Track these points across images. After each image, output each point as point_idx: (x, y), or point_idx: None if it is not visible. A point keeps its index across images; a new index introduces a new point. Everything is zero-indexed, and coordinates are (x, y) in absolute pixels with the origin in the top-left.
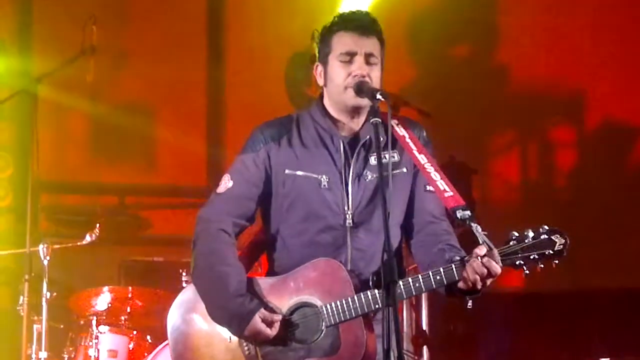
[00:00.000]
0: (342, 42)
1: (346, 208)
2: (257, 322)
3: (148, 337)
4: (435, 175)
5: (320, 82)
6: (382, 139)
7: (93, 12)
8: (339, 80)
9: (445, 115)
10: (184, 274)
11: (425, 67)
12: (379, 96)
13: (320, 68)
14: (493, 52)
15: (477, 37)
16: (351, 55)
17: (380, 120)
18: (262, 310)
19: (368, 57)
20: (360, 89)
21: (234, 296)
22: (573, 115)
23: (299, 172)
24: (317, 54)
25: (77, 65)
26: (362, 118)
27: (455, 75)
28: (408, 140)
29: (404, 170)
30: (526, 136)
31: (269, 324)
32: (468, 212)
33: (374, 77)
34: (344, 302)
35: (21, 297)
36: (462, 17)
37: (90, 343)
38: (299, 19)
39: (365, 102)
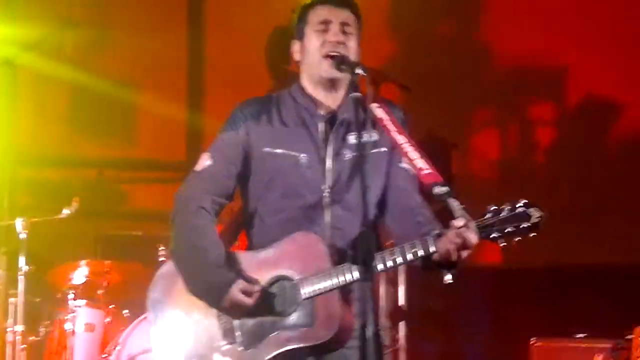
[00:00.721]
0: (317, 13)
1: (324, 186)
2: (236, 292)
3: (125, 311)
4: (414, 154)
5: (298, 57)
6: (361, 117)
7: None
8: (314, 50)
9: (426, 90)
10: (161, 248)
11: (407, 43)
12: (358, 70)
13: (297, 44)
14: (475, 28)
15: (458, 13)
16: (326, 23)
17: (360, 95)
18: (241, 280)
19: (343, 25)
20: (340, 62)
21: (212, 267)
22: (554, 92)
23: (278, 150)
24: (294, 32)
25: (58, 37)
26: (340, 93)
27: (436, 51)
28: (387, 121)
29: (383, 149)
30: (507, 112)
31: (248, 294)
32: (446, 188)
33: (350, 47)
34: (320, 274)
35: None
36: None
37: (67, 317)
38: None
39: (341, 75)
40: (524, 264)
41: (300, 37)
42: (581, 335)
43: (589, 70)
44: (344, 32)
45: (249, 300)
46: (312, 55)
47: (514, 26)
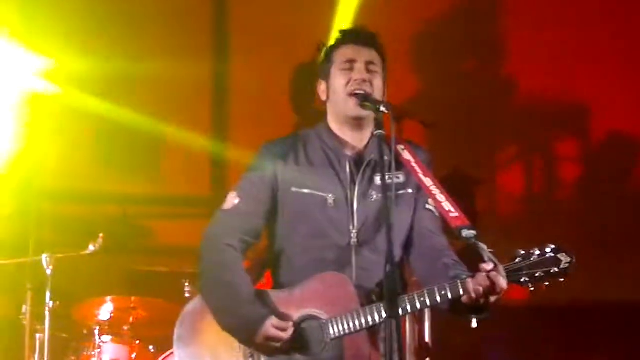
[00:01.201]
0: (342, 53)
1: (351, 227)
2: (269, 326)
3: (151, 347)
4: (441, 197)
5: (323, 97)
6: (386, 158)
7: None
8: (340, 88)
9: (451, 126)
10: (187, 284)
11: (430, 80)
12: (382, 108)
13: (322, 84)
14: (497, 65)
15: (481, 51)
16: (351, 62)
17: (384, 133)
18: (273, 316)
19: (368, 64)
20: (364, 100)
21: (245, 302)
22: (577, 128)
23: (305, 190)
24: (319, 71)
25: (84, 71)
26: (366, 132)
27: (460, 88)
28: (414, 164)
29: (409, 191)
30: (530, 148)
31: (282, 330)
32: (473, 232)
33: (376, 85)
34: (348, 315)
35: (24, 307)
36: (466, 31)
37: (93, 353)
38: (305, 30)
39: (366, 113)
40: (551, 301)
41: (326, 76)
42: None
43: (612, 107)
44: (369, 71)
45: (283, 335)
46: (337, 94)
47: (538, 62)
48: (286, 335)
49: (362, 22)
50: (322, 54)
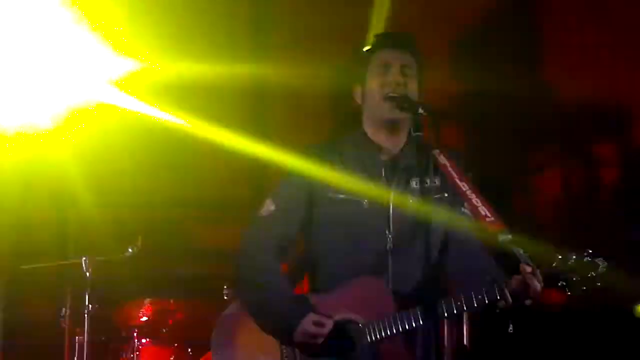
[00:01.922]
0: (378, 56)
1: (387, 232)
2: (309, 323)
3: (189, 350)
4: (477, 201)
5: (359, 101)
6: (423, 160)
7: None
8: (374, 91)
9: (488, 130)
10: (225, 287)
11: (470, 83)
12: (421, 110)
13: (358, 88)
14: (538, 68)
15: (520, 55)
16: (386, 66)
17: (422, 135)
18: (312, 313)
19: (403, 68)
20: (402, 102)
21: (284, 300)
22: (617, 133)
23: (341, 195)
24: (354, 76)
25: (131, 77)
26: (402, 136)
27: (498, 91)
28: (449, 168)
29: (445, 194)
30: (569, 153)
31: (321, 325)
32: (509, 236)
33: (411, 88)
34: (385, 320)
35: (63, 310)
36: (505, 34)
37: (132, 355)
38: (343, 31)
39: (401, 116)
40: (592, 304)
41: (362, 80)
42: None
43: None
44: (404, 74)
45: (322, 331)
46: (372, 97)
47: (578, 65)
48: (326, 330)
49: (401, 24)
50: (358, 59)
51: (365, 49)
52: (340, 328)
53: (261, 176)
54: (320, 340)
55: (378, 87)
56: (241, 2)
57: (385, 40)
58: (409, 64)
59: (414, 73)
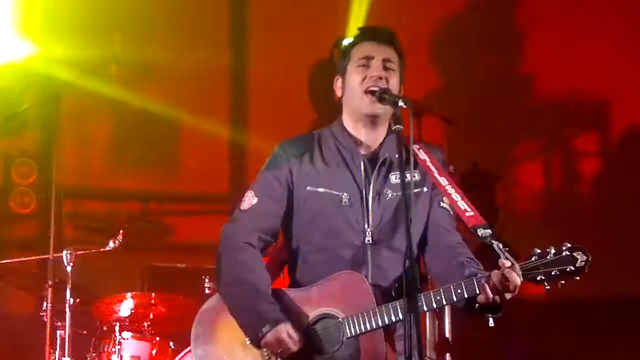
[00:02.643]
0: (360, 50)
1: (366, 226)
2: (283, 331)
3: (171, 344)
4: (456, 196)
5: (339, 93)
6: (403, 154)
7: (118, 21)
8: (355, 85)
9: (470, 123)
10: (207, 280)
11: (451, 76)
12: (401, 103)
13: (339, 80)
14: (518, 62)
15: (502, 48)
16: (368, 59)
17: (402, 127)
18: (290, 324)
19: (385, 62)
20: (382, 96)
21: (263, 300)
22: (597, 125)
23: (320, 189)
24: (337, 67)
25: (101, 73)
26: (381, 131)
27: (480, 85)
28: (429, 163)
29: (425, 189)
30: (550, 145)
31: (293, 341)
32: (489, 231)
33: (392, 83)
34: (365, 314)
35: (45, 303)
36: (485, 28)
37: (113, 349)
38: (322, 23)
39: (381, 110)
40: (568, 295)
41: (343, 73)
42: None
43: (630, 103)
44: (386, 68)
45: (292, 346)
46: (353, 90)
47: (557, 60)
48: (294, 347)
49: (382, 17)
50: (340, 51)
51: (346, 41)
52: (319, 323)
53: (242, 170)
54: (291, 351)
55: (359, 81)
56: None
57: (368, 34)
58: (391, 57)
59: (395, 67)
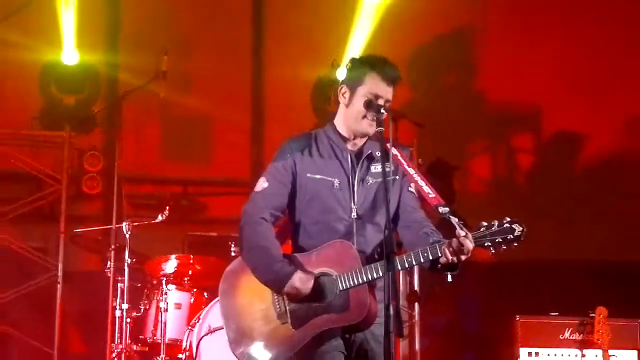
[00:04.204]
0: (374, 84)
1: (353, 204)
2: (297, 279)
3: (205, 294)
4: (421, 182)
5: (342, 101)
6: (381, 152)
7: (165, 45)
8: (359, 111)
9: (435, 126)
10: (232, 245)
11: (421, 91)
12: (383, 111)
13: (346, 91)
14: (472, 79)
15: (460, 69)
16: (376, 97)
17: (383, 129)
18: (299, 271)
19: (387, 102)
20: (369, 105)
21: (276, 261)
22: (531, 127)
23: (317, 176)
24: (347, 77)
25: (152, 84)
26: (365, 138)
27: (443, 97)
28: (400, 157)
29: (396, 177)
30: (495, 143)
31: (305, 283)
32: (447, 208)
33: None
34: (353, 272)
35: (108, 262)
36: (450, 55)
37: (161, 298)
38: (325, 41)
39: (372, 130)
40: (510, 259)
41: (352, 89)
42: (555, 313)
43: (559, 109)
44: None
45: (307, 286)
46: (356, 112)
47: (500, 77)
48: (309, 285)
49: (372, 43)
50: (355, 63)
51: (364, 62)
52: (318, 279)
53: (260, 161)
54: (305, 293)
55: (364, 111)
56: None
57: (386, 74)
58: (391, 97)
59: (390, 101)
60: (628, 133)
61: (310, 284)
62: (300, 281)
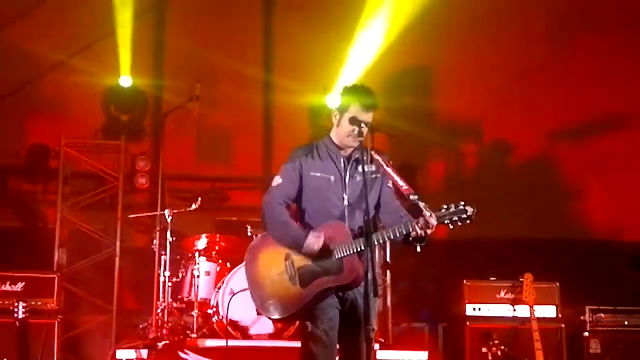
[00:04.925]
0: (357, 112)
1: (345, 195)
2: (311, 237)
3: (227, 264)
4: (397, 178)
5: (334, 122)
6: (365, 157)
7: (198, 75)
8: (346, 131)
9: (402, 137)
10: (249, 227)
11: (393, 111)
12: (363, 125)
13: (337, 115)
14: (430, 98)
15: (419, 88)
16: (359, 124)
17: (363, 139)
18: (312, 232)
19: (367, 124)
20: (353, 121)
21: (293, 228)
22: (477, 135)
23: (318, 174)
24: (338, 104)
25: (189, 105)
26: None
27: (408, 113)
28: (381, 161)
29: (378, 175)
30: (448, 148)
31: (318, 237)
32: (416, 196)
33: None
34: (346, 244)
35: (154, 240)
36: (412, 82)
37: (194, 267)
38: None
39: (355, 144)
40: (461, 237)
41: (341, 113)
42: (493, 278)
43: (497, 121)
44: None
45: (318, 243)
46: (344, 131)
47: (453, 93)
48: (321, 239)
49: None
50: (344, 92)
51: (350, 93)
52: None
53: (270, 163)
54: (318, 248)
55: (349, 131)
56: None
57: (368, 104)
58: (371, 120)
59: (369, 122)
60: (548, 141)
61: (321, 241)
62: (314, 237)
